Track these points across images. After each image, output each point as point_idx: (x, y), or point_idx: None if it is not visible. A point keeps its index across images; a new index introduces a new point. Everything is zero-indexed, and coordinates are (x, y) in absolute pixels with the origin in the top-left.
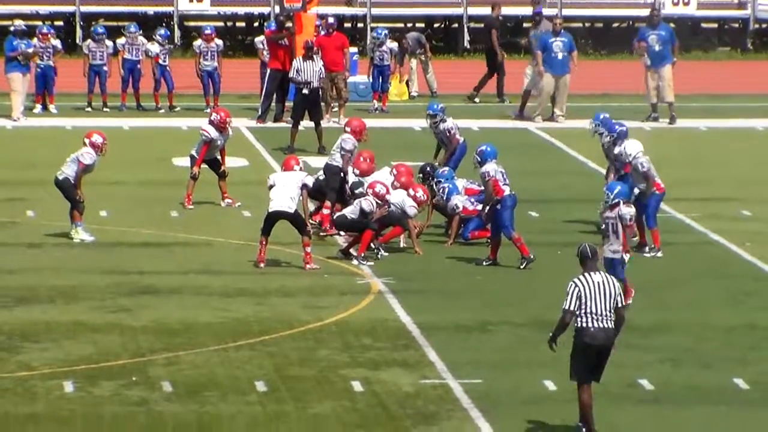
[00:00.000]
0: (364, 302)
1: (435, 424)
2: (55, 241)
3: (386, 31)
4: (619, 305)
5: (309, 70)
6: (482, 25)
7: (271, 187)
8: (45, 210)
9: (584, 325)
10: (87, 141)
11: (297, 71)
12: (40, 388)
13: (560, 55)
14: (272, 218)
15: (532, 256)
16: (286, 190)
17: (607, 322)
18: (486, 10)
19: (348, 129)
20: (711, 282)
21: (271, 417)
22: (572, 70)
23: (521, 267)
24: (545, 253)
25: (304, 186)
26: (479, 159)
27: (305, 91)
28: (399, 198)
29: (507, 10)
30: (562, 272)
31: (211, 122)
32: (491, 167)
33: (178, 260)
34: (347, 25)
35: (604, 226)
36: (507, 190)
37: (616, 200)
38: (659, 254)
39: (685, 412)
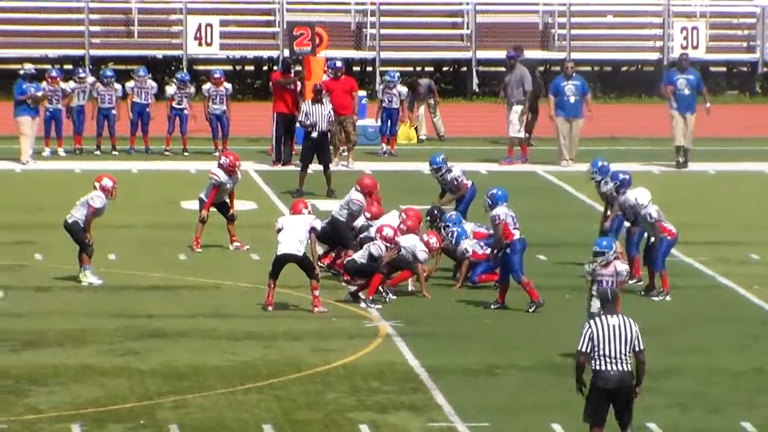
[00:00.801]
0: (372, 345)
1: None
2: (63, 284)
3: (398, 74)
4: (638, 349)
5: (318, 114)
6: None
7: (279, 230)
8: (53, 253)
9: (598, 367)
10: (97, 185)
11: (306, 115)
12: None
13: (572, 99)
14: (281, 261)
15: (541, 300)
16: (294, 234)
17: (622, 366)
18: (495, 54)
19: (359, 188)
20: (719, 326)
21: None
22: (585, 114)
23: (530, 311)
24: (553, 297)
25: (313, 229)
26: (490, 202)
27: (314, 134)
28: (411, 242)
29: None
30: (569, 316)
31: (220, 166)
32: (502, 210)
33: (186, 303)
34: (356, 68)
35: (597, 285)
36: (517, 234)
37: (611, 258)
38: (668, 298)
39: None
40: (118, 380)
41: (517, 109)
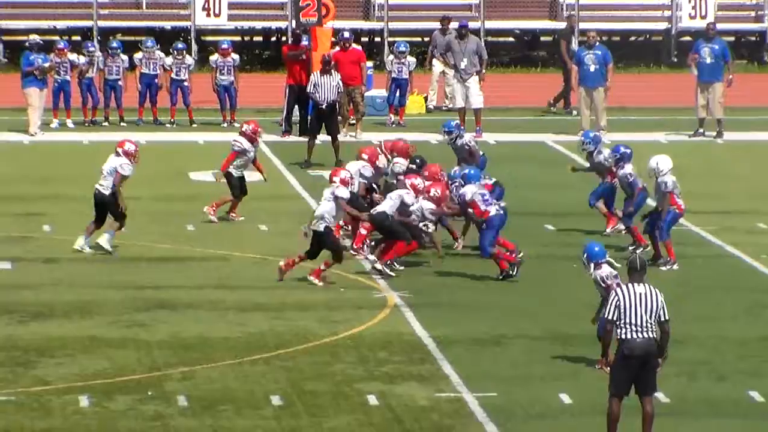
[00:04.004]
0: (379, 316)
1: None
2: (71, 256)
3: (407, 44)
4: (663, 319)
5: (327, 85)
6: (553, 38)
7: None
8: (61, 225)
9: (624, 336)
10: (120, 150)
11: (315, 86)
12: (55, 403)
13: (593, 68)
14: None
15: (512, 272)
16: (320, 206)
17: (648, 333)
18: (504, 24)
19: (365, 156)
20: (726, 295)
21: (287, 431)
22: (609, 83)
23: (499, 278)
24: (560, 267)
25: (336, 198)
26: (462, 182)
27: (323, 105)
28: (416, 205)
29: (524, 24)
30: (577, 286)
31: (242, 133)
32: (470, 189)
33: (194, 275)
34: (364, 39)
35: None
36: (493, 210)
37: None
38: (675, 266)
39: (701, 424)
40: (125, 351)
41: (476, 79)
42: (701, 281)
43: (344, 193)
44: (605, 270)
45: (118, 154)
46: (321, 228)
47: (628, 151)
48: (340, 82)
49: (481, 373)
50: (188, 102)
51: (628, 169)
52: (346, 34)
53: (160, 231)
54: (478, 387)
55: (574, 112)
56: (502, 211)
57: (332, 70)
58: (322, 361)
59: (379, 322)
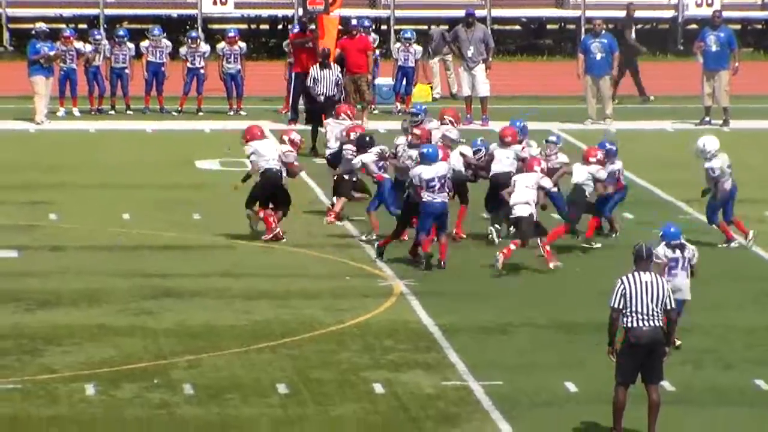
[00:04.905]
0: (385, 304)
1: (456, 426)
2: (77, 244)
3: (414, 33)
4: (669, 307)
5: (326, 79)
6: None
7: None
8: (67, 213)
9: (630, 324)
10: (286, 138)
11: (314, 80)
12: (61, 391)
13: (599, 56)
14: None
15: (422, 259)
16: None
17: (654, 321)
18: (510, 12)
19: (448, 118)
20: (733, 283)
21: (293, 419)
22: (615, 71)
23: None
24: (566, 256)
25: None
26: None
27: (321, 99)
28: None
29: (531, 12)
30: (583, 274)
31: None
32: (417, 172)
33: (200, 263)
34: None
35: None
36: (426, 197)
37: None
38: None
39: (707, 413)
40: (132, 340)
41: (482, 67)
42: (708, 269)
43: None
44: (661, 249)
45: (284, 142)
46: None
47: (614, 148)
48: (340, 75)
49: (487, 361)
50: (201, 90)
51: (618, 164)
52: (354, 22)
53: (167, 219)
54: (484, 375)
55: (652, 97)
56: None
57: (332, 64)
58: (328, 349)
59: (384, 310)
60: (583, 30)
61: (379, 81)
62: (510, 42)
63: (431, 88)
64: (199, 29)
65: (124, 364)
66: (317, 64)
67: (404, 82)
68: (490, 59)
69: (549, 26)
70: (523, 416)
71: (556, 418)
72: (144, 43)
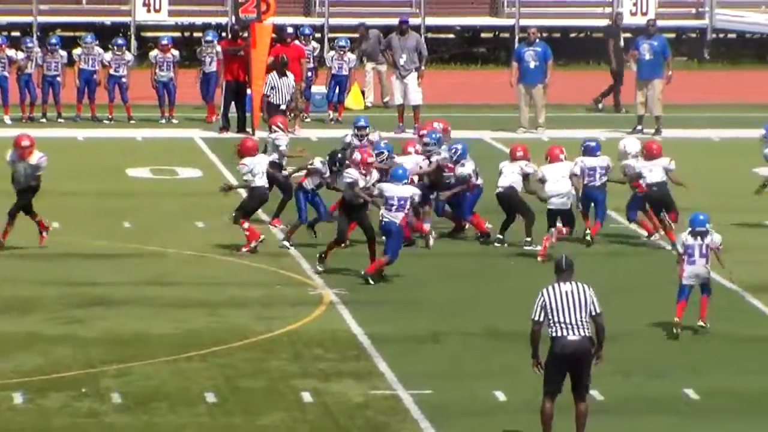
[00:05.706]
0: (315, 313)
1: None
2: (6, 252)
3: (349, 41)
4: (594, 313)
5: (284, 87)
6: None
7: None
8: None
9: (555, 334)
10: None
11: (272, 89)
12: None
13: (532, 65)
14: None
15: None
16: None
17: (581, 331)
18: (444, 20)
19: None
20: (663, 291)
21: (221, 428)
22: (548, 80)
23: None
24: (497, 263)
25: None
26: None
27: (282, 107)
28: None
29: (466, 21)
30: (511, 282)
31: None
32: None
33: (130, 271)
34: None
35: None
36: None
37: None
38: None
39: (636, 422)
40: (62, 348)
41: (415, 76)
42: (635, 277)
43: None
44: (683, 236)
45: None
46: None
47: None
48: (293, 81)
49: (416, 370)
50: (126, 98)
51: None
52: (289, 30)
53: (97, 227)
54: (413, 384)
55: (624, 110)
56: None
57: (288, 72)
58: (257, 357)
59: (314, 319)
60: (517, 39)
61: (312, 89)
62: (444, 50)
63: (363, 95)
64: (132, 37)
65: (53, 372)
66: (274, 72)
67: (337, 91)
68: (423, 68)
69: (483, 35)
70: (452, 425)
71: (486, 427)
72: (76, 51)
